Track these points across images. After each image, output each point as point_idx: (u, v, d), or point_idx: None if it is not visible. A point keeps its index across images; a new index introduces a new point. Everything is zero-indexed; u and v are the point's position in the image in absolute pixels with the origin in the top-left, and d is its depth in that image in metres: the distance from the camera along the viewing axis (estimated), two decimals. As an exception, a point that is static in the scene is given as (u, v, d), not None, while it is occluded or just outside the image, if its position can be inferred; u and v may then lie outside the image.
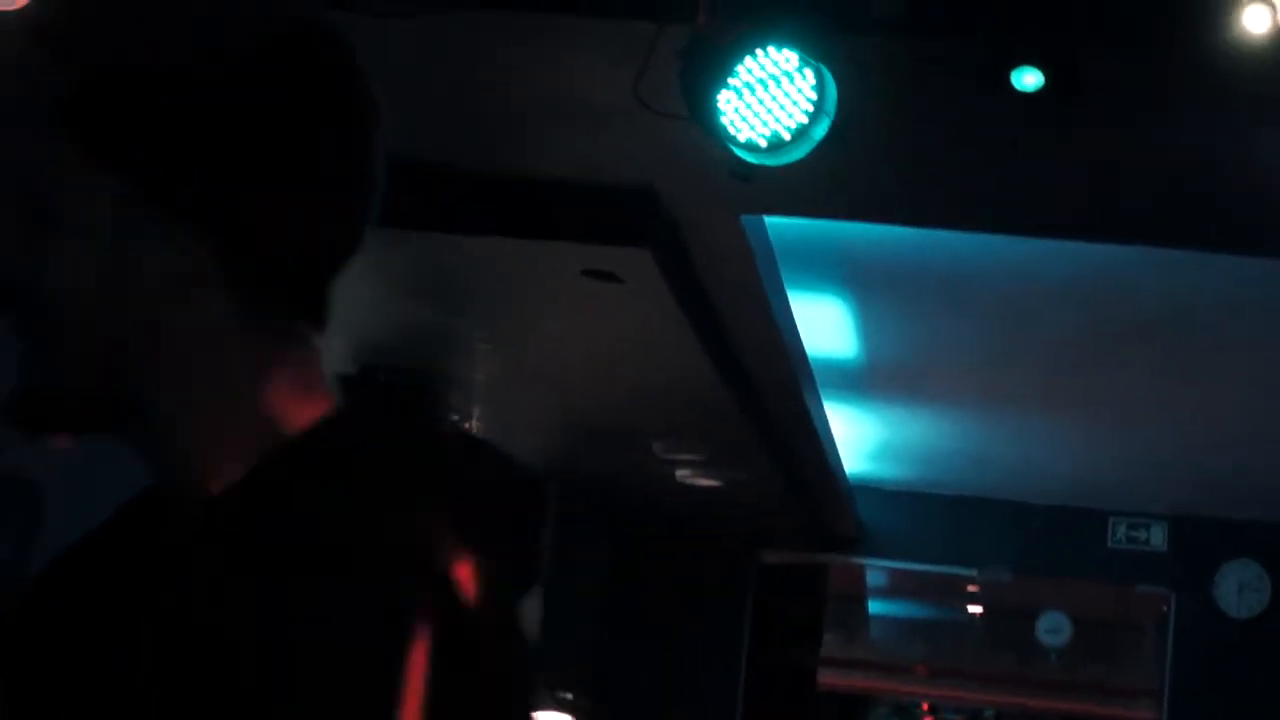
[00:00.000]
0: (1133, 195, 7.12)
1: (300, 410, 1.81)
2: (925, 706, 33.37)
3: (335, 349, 7.04)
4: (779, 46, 5.35)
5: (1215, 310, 9.81)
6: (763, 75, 5.38)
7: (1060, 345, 10.99)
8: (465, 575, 1.56)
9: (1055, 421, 13.38)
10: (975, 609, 26.59)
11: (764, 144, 5.45)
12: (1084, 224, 7.56)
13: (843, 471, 14.53)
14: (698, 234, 7.84)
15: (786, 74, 5.40)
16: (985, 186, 7.20)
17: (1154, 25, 5.31)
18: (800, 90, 5.41)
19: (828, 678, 25.31)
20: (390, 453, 1.68)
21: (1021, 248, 8.14)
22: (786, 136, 5.45)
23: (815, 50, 5.35)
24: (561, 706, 12.04)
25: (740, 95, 5.39)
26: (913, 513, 16.90)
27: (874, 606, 28.00)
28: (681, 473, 12.86)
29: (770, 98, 5.41)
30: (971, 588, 23.05)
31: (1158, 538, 16.77)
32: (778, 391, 10.79)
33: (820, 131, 5.47)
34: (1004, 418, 13.49)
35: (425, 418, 1.80)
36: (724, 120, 5.38)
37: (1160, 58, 5.46)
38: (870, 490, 16.58)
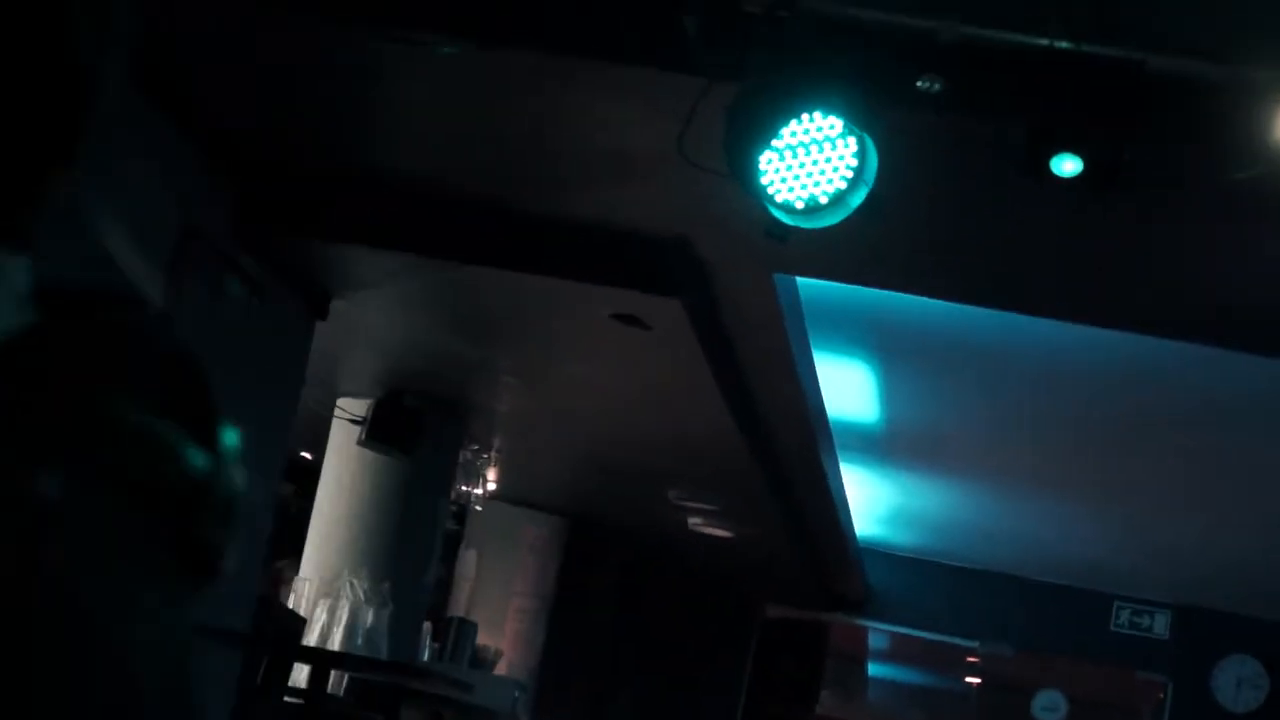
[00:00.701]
0: (1160, 289, 7.09)
1: None
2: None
3: (365, 373, 6.94)
4: (824, 113, 5.33)
5: (1234, 408, 9.77)
6: (806, 139, 5.35)
7: (1079, 429, 10.95)
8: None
9: (1068, 503, 13.32)
10: (974, 680, 26.43)
11: (801, 206, 5.42)
12: (1111, 312, 7.53)
13: (854, 533, 14.48)
14: (729, 288, 7.82)
15: (829, 140, 5.37)
16: (1017, 267, 7.17)
17: (1195, 127, 5.28)
18: (841, 157, 5.39)
19: (821, 735, 25.23)
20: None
21: (1049, 329, 8.10)
22: (824, 201, 5.42)
23: (859, 119, 5.32)
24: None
25: (782, 156, 5.36)
26: (920, 579, 16.86)
27: (874, 669, 27.88)
28: (694, 520, 12.82)
29: (811, 161, 5.39)
30: (972, 659, 22.93)
31: (1160, 625, 16.71)
32: (796, 449, 10.75)
33: (857, 199, 5.44)
34: (1018, 494, 13.43)
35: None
36: (763, 180, 5.36)
37: (1199, 159, 5.43)
38: (880, 554, 16.53)
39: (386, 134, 7.09)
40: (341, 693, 9.53)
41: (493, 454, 11.66)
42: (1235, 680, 16.44)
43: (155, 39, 6.33)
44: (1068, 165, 5.26)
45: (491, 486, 12.24)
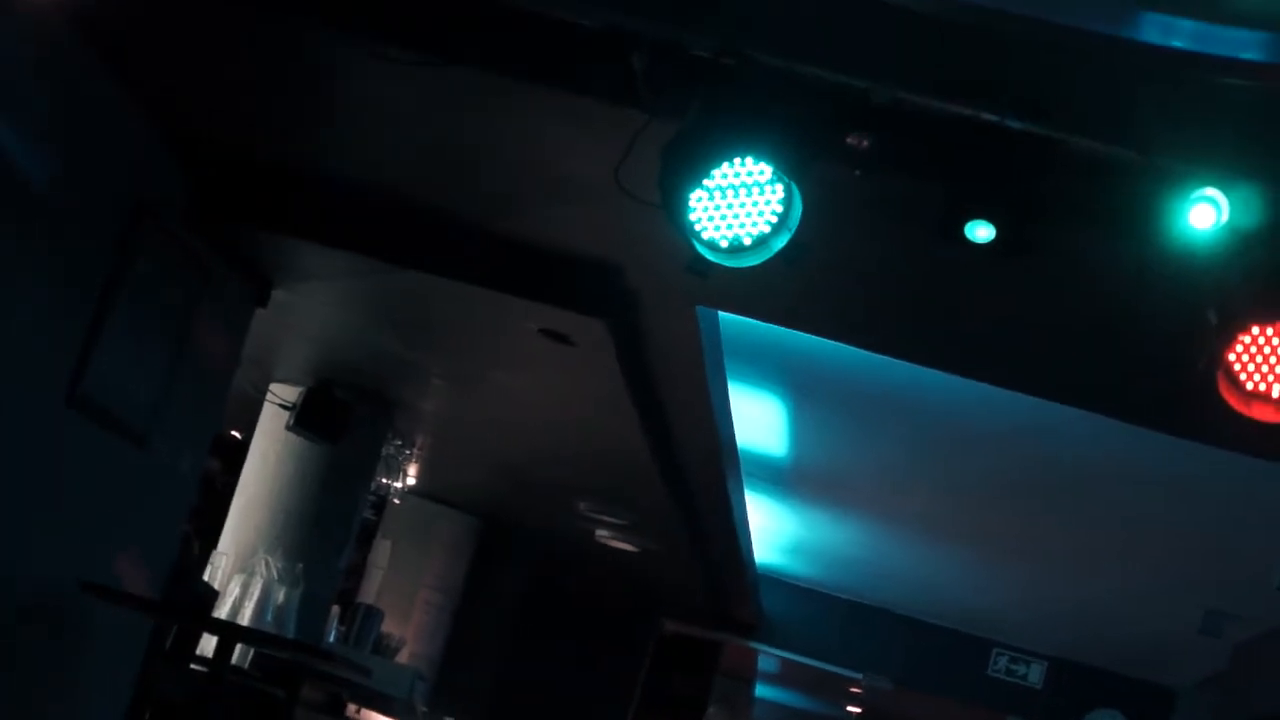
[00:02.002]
0: (1059, 358, 7.12)
1: None
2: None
3: (299, 361, 6.90)
4: (755, 158, 5.31)
5: (1118, 476, 9.83)
6: (735, 182, 5.33)
7: (974, 483, 10.99)
8: None
9: (958, 551, 13.37)
10: (854, 709, 26.50)
11: (725, 245, 5.40)
12: (1011, 374, 7.55)
13: (753, 559, 14.48)
14: (653, 316, 7.81)
15: (758, 185, 5.35)
16: (927, 323, 7.18)
17: (1108, 207, 5.29)
18: (768, 202, 5.37)
19: (704, 749, 25.23)
20: None
21: (954, 385, 8.11)
22: (747, 242, 5.41)
23: (788, 167, 5.31)
24: (449, 730, 11.94)
25: (711, 196, 5.34)
26: (812, 609, 16.89)
27: (760, 690, 27.91)
28: (601, 533, 12.80)
29: (739, 204, 5.37)
30: (854, 689, 22.96)
31: (1035, 675, 16.79)
32: (704, 475, 10.75)
33: (779, 243, 5.43)
34: (912, 538, 13.47)
35: None
36: (691, 217, 5.34)
37: (1108, 237, 5.44)
38: (777, 581, 16.55)
39: (340, 136, 7.05)
40: (246, 666, 9.46)
41: (415, 450, 11.62)
42: (1101, 732, 16.54)
43: (122, 21, 6.31)
44: (981, 232, 5.27)
45: (411, 481, 12.20)
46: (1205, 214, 5.08)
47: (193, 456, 8.33)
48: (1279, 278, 5.20)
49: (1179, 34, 4.60)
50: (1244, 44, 4.56)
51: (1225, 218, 5.08)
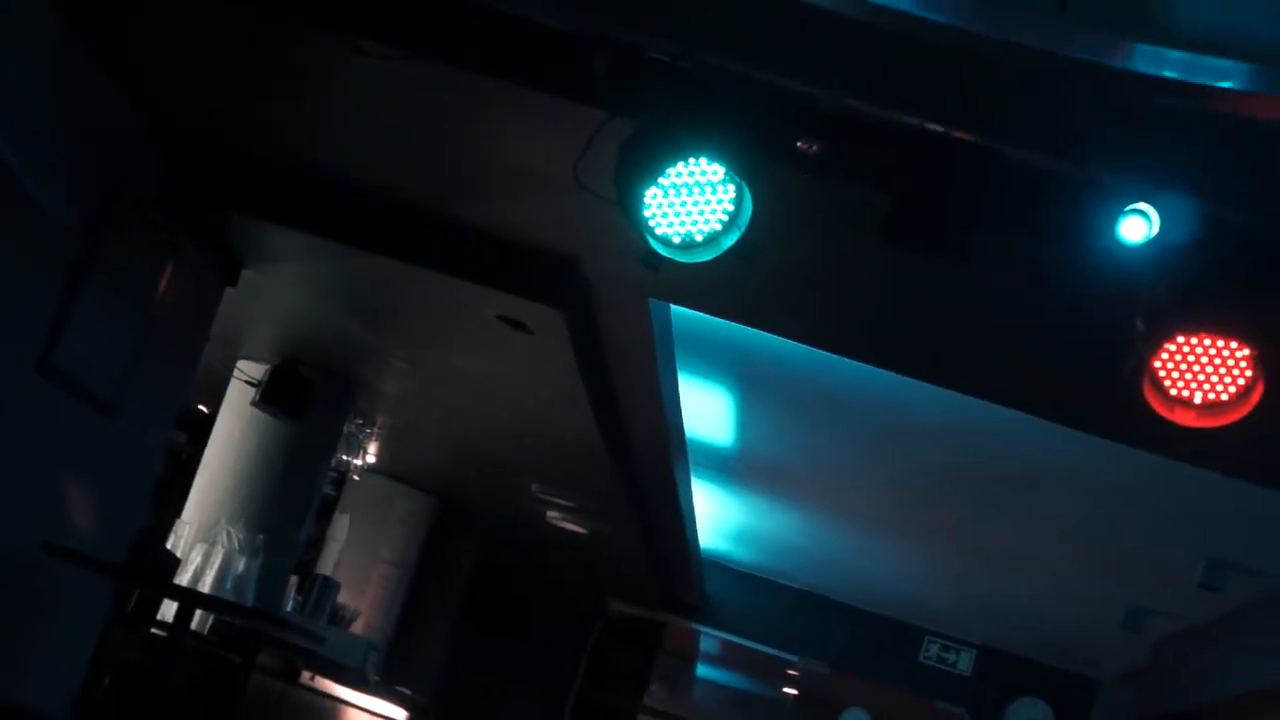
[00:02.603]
0: (995, 359, 7.15)
1: None
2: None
3: (266, 339, 6.90)
4: (709, 159, 5.34)
5: (1056, 478, 9.87)
6: (689, 180, 5.36)
7: (912, 477, 11.02)
8: None
9: (895, 541, 13.40)
10: (791, 691, 26.54)
11: (677, 241, 5.43)
12: (950, 374, 7.58)
13: (698, 544, 14.50)
14: (607, 307, 7.83)
15: (711, 184, 5.38)
16: (871, 322, 7.21)
17: (1045, 216, 5.32)
18: (720, 201, 5.40)
19: (645, 725, 25.24)
20: None
21: (896, 383, 8.13)
22: (698, 238, 5.43)
23: (740, 168, 5.34)
24: (399, 700, 11.92)
25: (665, 193, 5.37)
26: (754, 594, 16.91)
27: (701, 670, 27.93)
28: (552, 514, 12.80)
29: (692, 201, 5.40)
30: (791, 672, 22.99)
31: (965, 663, 16.84)
32: (652, 462, 10.77)
33: (729, 241, 5.46)
34: (851, 529, 13.50)
35: None
36: (645, 212, 5.37)
37: (1045, 246, 5.47)
38: (720, 566, 16.58)
39: (311, 125, 7.05)
40: (205, 631, 9.44)
41: (375, 429, 11.61)
42: (1025, 720, 16.61)
43: (103, 5, 6.30)
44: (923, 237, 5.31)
45: (371, 459, 12.19)
46: (1136, 227, 5.13)
47: (159, 428, 8.32)
48: (1204, 290, 5.25)
49: (1115, 53, 4.63)
50: (1173, 65, 4.60)
51: (1155, 231, 5.12)
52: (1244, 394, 5.41)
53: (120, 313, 7.51)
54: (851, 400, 9.47)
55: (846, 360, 8.00)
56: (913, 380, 7.96)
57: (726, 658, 25.03)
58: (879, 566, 14.68)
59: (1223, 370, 5.38)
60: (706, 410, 10.40)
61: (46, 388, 7.07)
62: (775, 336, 7.94)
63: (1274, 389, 5.37)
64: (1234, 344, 5.35)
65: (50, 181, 6.79)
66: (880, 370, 7.92)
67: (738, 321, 7.82)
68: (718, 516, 14.07)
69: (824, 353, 7.98)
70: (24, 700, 7.54)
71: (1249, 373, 5.37)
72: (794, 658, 17.70)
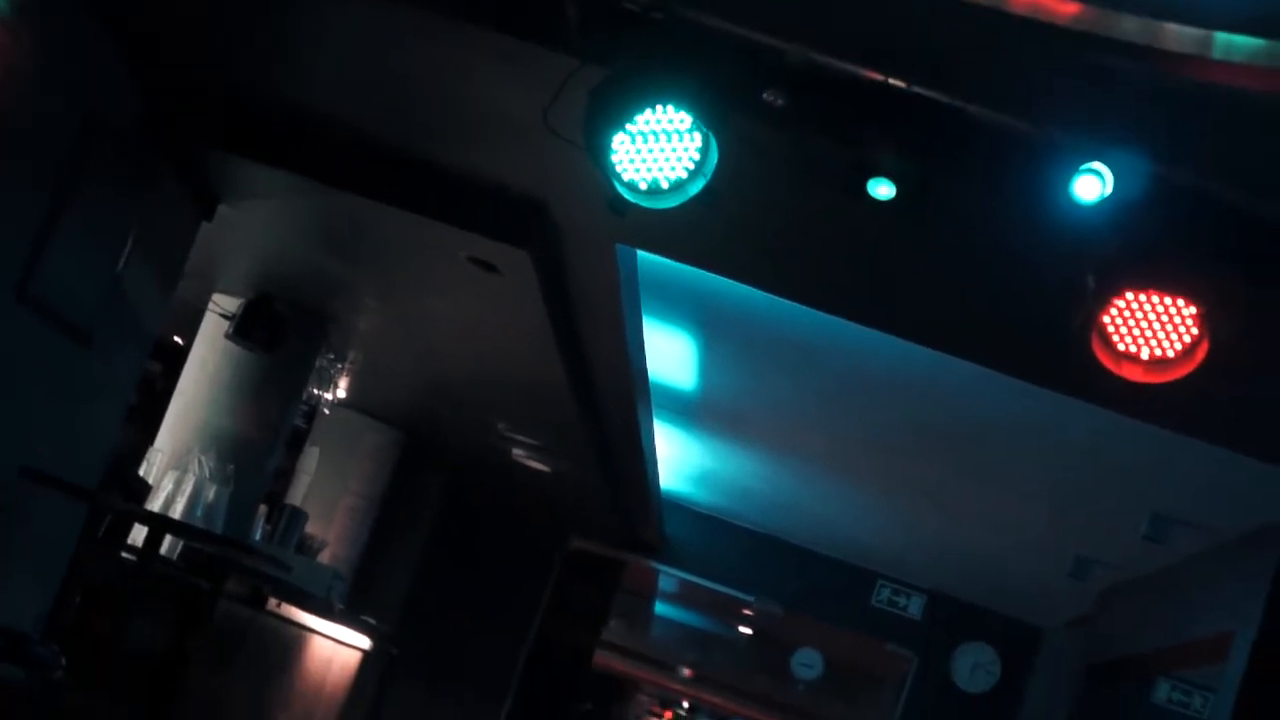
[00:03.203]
0: (951, 311, 7.18)
1: None
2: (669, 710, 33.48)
3: (241, 273, 6.88)
4: (677, 107, 5.35)
5: (1008, 430, 9.92)
6: (656, 128, 5.38)
7: (867, 425, 11.06)
8: None
9: (850, 488, 13.47)
10: (746, 630, 26.72)
11: (643, 187, 5.45)
12: (907, 325, 7.61)
13: (659, 485, 14.55)
14: (575, 250, 7.84)
15: (678, 132, 5.40)
16: (831, 272, 7.23)
17: (1003, 173, 5.35)
18: (686, 149, 5.42)
19: (603, 659, 25.40)
20: None
21: (854, 333, 8.15)
22: (664, 185, 5.45)
23: (707, 118, 5.35)
24: (363, 628, 11.96)
25: (633, 140, 5.38)
26: (712, 535, 16.97)
27: (659, 608, 28.10)
28: (517, 452, 12.83)
29: (659, 149, 5.41)
30: (746, 611, 23.16)
31: (915, 607, 16.93)
32: (615, 403, 10.79)
33: (694, 189, 5.48)
34: (809, 474, 13.55)
35: None
36: (613, 158, 5.38)
37: (1002, 202, 5.50)
38: (680, 507, 16.63)
39: (289, 64, 7.03)
40: (175, 558, 9.46)
41: (346, 365, 11.60)
42: (971, 664, 16.72)
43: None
44: (882, 190, 5.34)
45: (341, 394, 12.19)
46: (1090, 186, 5.16)
47: (134, 357, 8.31)
48: (1154, 248, 5.29)
49: (1073, 15, 4.65)
50: (1130, 28, 4.62)
51: (1108, 190, 5.15)
52: (1189, 351, 5.46)
53: (98, 244, 7.49)
54: (812, 349, 9.50)
55: (809, 309, 8.02)
56: (872, 331, 7.99)
57: (684, 596, 25.17)
58: (835, 512, 14.75)
59: (1169, 327, 5.42)
60: (670, 354, 10.42)
61: (24, 314, 7.06)
62: (739, 284, 7.95)
63: (1218, 347, 5.41)
64: (1181, 302, 5.39)
65: (30, 114, 6.77)
66: (841, 320, 7.95)
67: (702, 268, 7.83)
68: (679, 459, 14.11)
69: (787, 301, 8.00)
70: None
71: (1195, 330, 5.42)
72: (750, 598, 17.80)
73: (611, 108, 5.31)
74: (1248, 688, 9.50)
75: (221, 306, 10.45)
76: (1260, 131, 4.96)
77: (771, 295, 7.99)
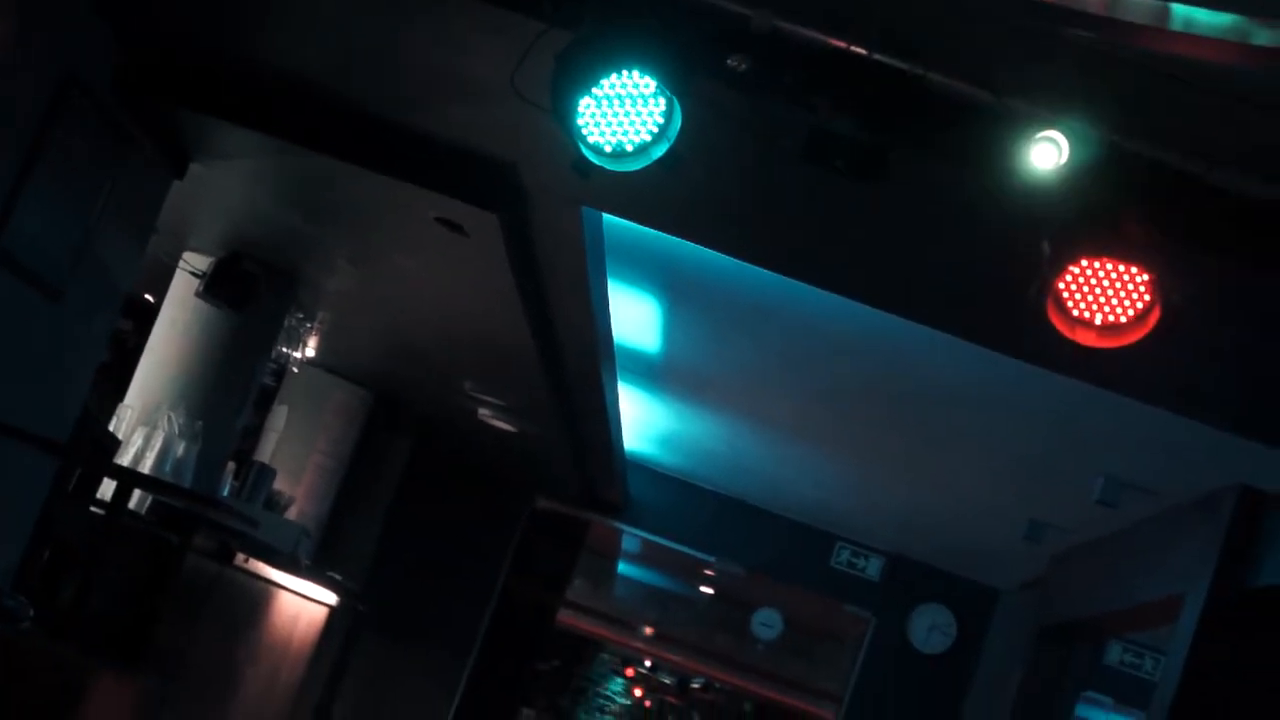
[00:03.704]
0: (908, 277, 7.21)
1: None
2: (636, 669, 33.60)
3: (212, 232, 6.87)
4: (642, 72, 5.37)
5: (965, 395, 9.96)
6: (621, 92, 5.40)
7: (832, 391, 11.10)
8: None
9: (812, 451, 13.51)
10: (707, 590, 26.78)
11: (608, 150, 5.47)
12: (867, 290, 7.63)
13: (623, 446, 14.57)
14: (542, 213, 7.84)
15: (642, 96, 5.42)
16: (791, 238, 7.26)
17: (961, 141, 5.37)
18: (650, 113, 5.44)
19: (566, 618, 25.43)
20: None
21: (816, 297, 8.18)
22: (629, 149, 5.47)
23: (671, 82, 5.37)
24: (330, 584, 11.98)
25: (599, 104, 5.41)
26: (675, 496, 17.00)
27: (622, 567, 28.14)
28: (484, 411, 12.84)
29: (624, 112, 5.43)
30: (708, 572, 23.20)
31: (874, 568, 16.99)
32: (580, 365, 10.80)
33: (658, 152, 5.49)
34: (770, 437, 13.59)
35: None
36: (579, 121, 5.40)
37: (960, 169, 5.51)
38: (644, 468, 16.66)
39: (262, 25, 7.02)
40: (144, 512, 9.45)
41: (315, 324, 11.59)
42: (928, 625, 16.80)
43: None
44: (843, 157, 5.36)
45: (310, 353, 12.18)
46: (1047, 154, 5.18)
47: (104, 314, 8.30)
48: (1108, 216, 5.31)
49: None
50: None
51: (1064, 159, 5.18)
52: (1142, 317, 5.50)
53: (69, 200, 7.47)
54: (774, 312, 9.52)
55: (771, 274, 8.04)
56: (833, 296, 8.01)
57: (647, 556, 25.20)
58: (795, 474, 14.79)
59: (1122, 293, 5.46)
60: (635, 318, 10.44)
61: (-4, 270, 7.06)
62: (702, 248, 7.97)
63: (1170, 313, 5.45)
64: (1134, 268, 5.43)
65: (4, 73, 6.74)
66: (803, 285, 7.97)
67: (666, 232, 7.85)
68: (643, 421, 14.13)
69: (750, 266, 8.02)
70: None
71: (1147, 296, 5.46)
72: (711, 558, 17.84)
73: (577, 72, 5.32)
74: (1197, 650, 9.58)
75: (192, 265, 10.43)
76: (1213, 102, 4.99)
77: (734, 259, 8.01)
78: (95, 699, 7.59)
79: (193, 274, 10.39)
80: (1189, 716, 9.44)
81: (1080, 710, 15.64)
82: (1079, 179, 5.20)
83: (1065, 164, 5.18)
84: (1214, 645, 9.52)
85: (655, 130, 5.45)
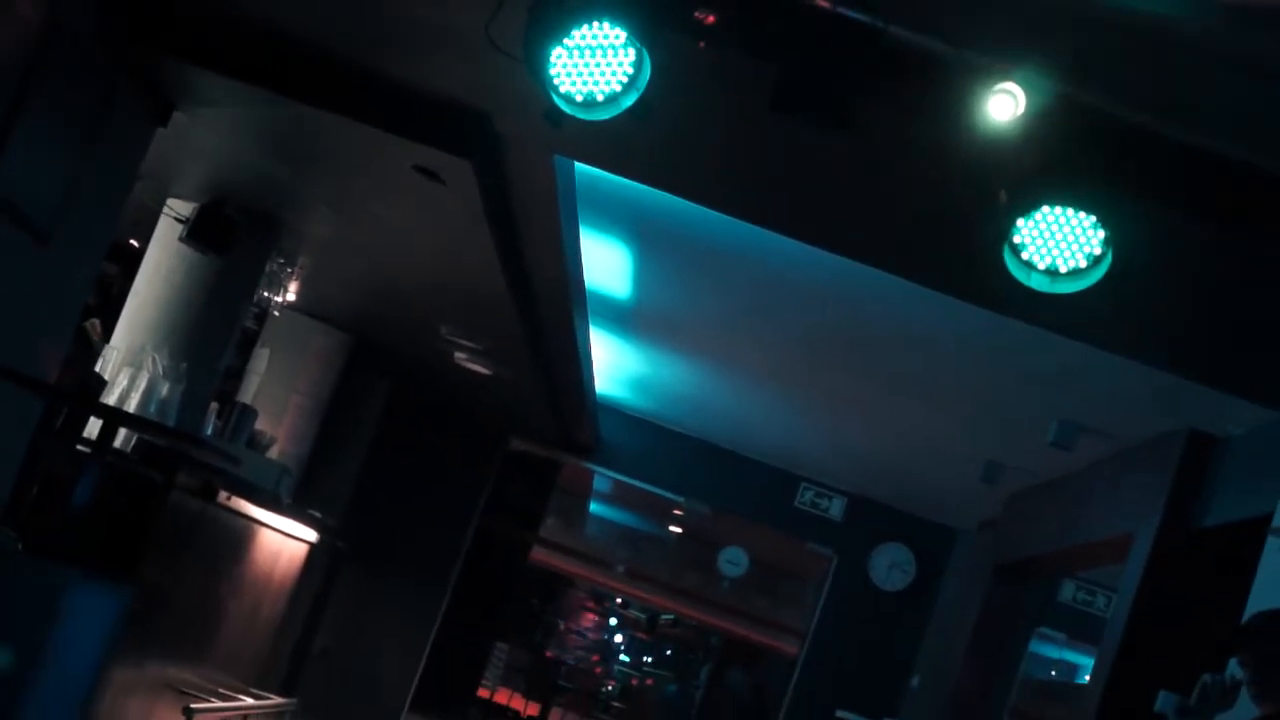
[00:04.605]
0: (873, 224, 7.22)
1: None
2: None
3: (196, 179, 6.84)
4: (612, 23, 5.37)
5: (925, 341, 9.99)
6: (592, 43, 5.40)
7: (797, 336, 11.13)
8: None
9: (777, 394, 13.55)
10: (676, 529, 26.87)
11: (579, 99, 5.48)
12: (829, 237, 7.64)
13: (594, 389, 14.60)
14: (516, 160, 7.83)
15: (613, 47, 5.42)
16: (757, 187, 7.26)
17: (919, 94, 5.38)
18: (620, 64, 5.44)
19: (540, 555, 25.52)
20: None
21: (782, 244, 8.19)
22: (599, 98, 5.48)
23: (641, 34, 5.37)
24: (310, 521, 11.98)
25: (570, 54, 5.41)
26: (645, 438, 17.05)
27: (593, 507, 28.22)
28: (459, 355, 12.83)
29: (595, 63, 5.44)
30: (677, 511, 23.27)
31: (836, 509, 17.08)
32: (553, 310, 10.81)
33: (628, 102, 5.50)
34: (737, 381, 13.63)
35: None
36: (551, 71, 5.41)
37: (920, 120, 5.52)
38: (615, 411, 16.70)
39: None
40: (129, 451, 9.44)
41: (296, 269, 11.55)
42: (888, 563, 16.90)
43: None
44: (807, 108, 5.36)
45: (291, 297, 12.15)
46: (1004, 105, 5.20)
47: (91, 256, 8.27)
48: (1063, 165, 5.33)
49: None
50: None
51: (1021, 110, 5.19)
52: (1095, 264, 5.52)
53: (56, 148, 7.43)
54: (742, 260, 9.54)
55: (739, 222, 8.05)
56: (797, 243, 8.02)
57: (618, 496, 25.29)
58: (762, 417, 14.83)
59: (1076, 241, 5.48)
60: (606, 264, 10.44)
61: (-16, 214, 7.03)
62: (672, 196, 7.97)
63: (1121, 259, 5.48)
64: (1087, 217, 5.45)
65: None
66: (769, 232, 7.98)
67: (636, 180, 7.85)
68: (614, 364, 14.15)
69: (718, 214, 8.02)
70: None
71: (1100, 245, 5.48)
72: (680, 499, 17.90)
73: (549, 22, 5.32)
74: (1146, 586, 9.66)
75: (176, 211, 10.39)
76: (1164, 55, 5.00)
77: (703, 208, 8.01)
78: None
79: (177, 219, 10.35)
80: (1139, 651, 9.54)
81: (1034, 646, 15.79)
82: (1035, 130, 5.21)
83: (1021, 116, 5.20)
84: (1162, 582, 9.61)
85: (625, 80, 5.45)
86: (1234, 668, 5.93)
